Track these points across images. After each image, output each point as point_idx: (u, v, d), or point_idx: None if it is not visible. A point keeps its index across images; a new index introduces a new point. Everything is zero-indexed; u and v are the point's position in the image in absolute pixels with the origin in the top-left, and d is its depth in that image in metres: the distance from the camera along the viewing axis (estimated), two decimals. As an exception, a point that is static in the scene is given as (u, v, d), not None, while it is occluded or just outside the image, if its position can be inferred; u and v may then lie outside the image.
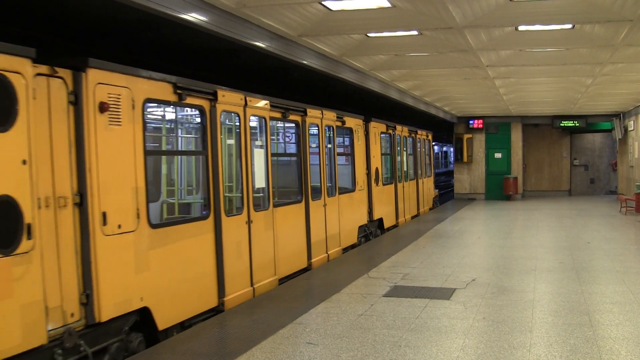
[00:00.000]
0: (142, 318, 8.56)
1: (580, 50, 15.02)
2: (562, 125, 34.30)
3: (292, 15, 11.25)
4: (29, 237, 6.74)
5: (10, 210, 6.58)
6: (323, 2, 10.77)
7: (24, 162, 6.73)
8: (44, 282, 6.95)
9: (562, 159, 37.12)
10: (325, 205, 15.26)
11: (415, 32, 13.08)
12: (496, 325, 9.13)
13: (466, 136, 34.87)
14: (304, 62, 13.53)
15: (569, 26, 12.88)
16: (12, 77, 6.63)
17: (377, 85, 19.06)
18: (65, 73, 7.45)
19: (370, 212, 19.01)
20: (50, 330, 7.02)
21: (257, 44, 11.45)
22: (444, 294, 11.16)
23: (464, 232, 20.56)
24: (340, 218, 16.30)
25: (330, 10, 11.32)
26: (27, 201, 6.74)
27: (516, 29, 13.09)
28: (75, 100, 7.52)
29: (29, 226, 6.74)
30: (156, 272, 8.72)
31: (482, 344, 8.23)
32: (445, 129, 34.84)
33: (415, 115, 29.98)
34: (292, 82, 17.37)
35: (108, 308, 7.80)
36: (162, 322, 8.81)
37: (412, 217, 25.09)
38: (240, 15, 10.56)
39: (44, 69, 7.14)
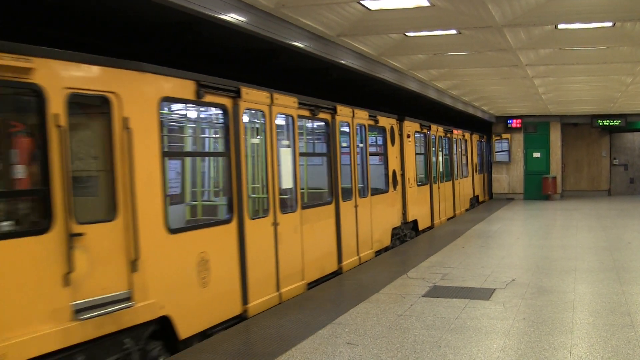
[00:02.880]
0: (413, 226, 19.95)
1: (621, 48, 14.87)
2: (602, 124, 33.94)
3: (331, 15, 11.27)
4: (396, 184, 17.77)
5: (395, 176, 17.68)
6: (362, 2, 10.77)
7: (396, 157, 17.92)
8: (395, 209, 17.85)
9: (601, 158, 36.74)
10: (459, 183, 27.52)
11: (454, 32, 13.04)
12: (536, 326, 9.08)
13: (504, 135, 34.72)
14: (343, 62, 13.54)
15: (610, 24, 12.74)
16: (394, 126, 17.93)
17: (416, 85, 19.03)
18: (396, 122, 18.36)
19: (473, 190, 31.24)
20: (400, 220, 18.32)
21: (296, 44, 11.48)
22: (484, 294, 11.12)
23: (502, 232, 20.46)
24: (465, 191, 29.09)
25: (369, 9, 11.31)
26: (398, 172, 17.78)
27: (556, 27, 12.99)
28: (400, 132, 18.58)
29: (396, 181, 17.71)
30: (417, 206, 20.00)
31: (522, 345, 8.20)
32: (480, 127, 34.55)
33: (453, 115, 29.84)
34: (331, 82, 17.47)
35: (409, 217, 19.01)
36: (421, 227, 20.43)
37: (490, 199, 35.52)
38: (279, 16, 10.60)
39: (395, 122, 18.13)
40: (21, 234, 6.57)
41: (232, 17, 9.47)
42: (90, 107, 7.69)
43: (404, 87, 18.19)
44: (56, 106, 6.81)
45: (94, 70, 7.43)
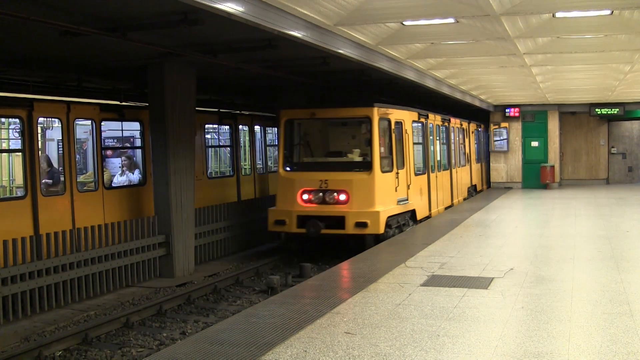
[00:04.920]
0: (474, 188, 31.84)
1: (619, 36, 14.83)
2: (600, 112, 33.92)
3: (328, 3, 11.21)
4: (467, 162, 29.59)
5: (467, 156, 29.93)
6: (359, -9, 10.72)
7: (467, 145, 29.89)
8: (468, 175, 30.03)
9: (599, 147, 36.71)
10: (476, 166, 33.46)
11: (451, 20, 13.00)
12: (535, 315, 9.09)
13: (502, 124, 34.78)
14: (340, 51, 13.49)
15: (608, 12, 12.71)
16: (466, 126, 29.97)
17: (413, 74, 18.99)
18: (467, 123, 30.30)
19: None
20: (469, 183, 30.54)
21: (294, 33, 11.42)
22: (482, 283, 11.13)
23: (500, 221, 20.46)
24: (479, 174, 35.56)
25: (366, -2, 11.28)
26: (467, 154, 30.25)
27: (554, 15, 12.95)
28: (468, 130, 30.42)
29: (467, 160, 29.76)
30: (476, 176, 31.84)
31: (521, 334, 8.20)
32: (477, 116, 34.60)
33: (450, 104, 29.88)
34: (329, 72, 17.57)
35: (472, 182, 30.68)
36: (478, 189, 32.41)
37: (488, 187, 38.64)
38: (276, 5, 10.54)
39: (467, 123, 30.38)
40: (389, 171, 17.89)
41: (229, 6, 9.41)
42: (398, 125, 18.72)
43: (402, 76, 18.15)
44: (392, 126, 18.10)
45: (399, 111, 18.91)
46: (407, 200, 18.87)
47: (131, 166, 18.59)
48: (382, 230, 17.05)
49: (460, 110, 32.29)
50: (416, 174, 20.13)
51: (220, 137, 23.53)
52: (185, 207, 16.48)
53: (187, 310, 13.53)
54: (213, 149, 23.20)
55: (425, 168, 21.67)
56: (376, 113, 17.55)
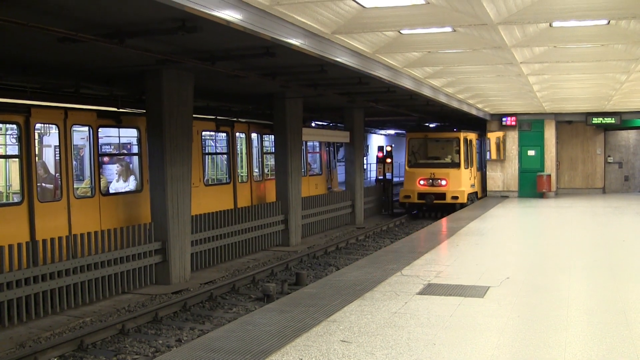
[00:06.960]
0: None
1: (615, 46, 14.86)
2: (596, 122, 33.96)
3: (326, 12, 11.23)
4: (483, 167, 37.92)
5: (483, 162, 37.68)
6: (356, -1, 10.73)
7: (479, 152, 37.36)
8: (472, 180, 33.18)
9: (595, 156, 36.73)
10: (480, 171, 36.85)
11: (449, 29, 13.01)
12: (531, 324, 9.10)
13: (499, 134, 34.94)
14: (338, 59, 13.49)
15: (604, 22, 12.73)
16: (480, 137, 36.38)
17: (410, 83, 19.00)
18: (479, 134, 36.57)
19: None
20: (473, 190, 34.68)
21: (291, 41, 11.43)
22: (478, 292, 11.13)
23: (497, 230, 20.47)
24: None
25: (364, 7, 11.27)
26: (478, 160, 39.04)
27: (550, 25, 12.97)
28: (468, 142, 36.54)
29: (483, 165, 37.44)
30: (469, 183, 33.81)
31: (517, 343, 8.21)
32: (474, 125, 34.84)
33: (447, 113, 30.14)
34: (326, 80, 17.59)
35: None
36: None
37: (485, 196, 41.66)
38: (273, 13, 10.55)
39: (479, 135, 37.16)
40: (466, 168, 31.56)
41: (227, 14, 9.42)
42: (470, 141, 32.49)
43: (399, 85, 18.16)
44: (468, 142, 31.95)
45: (471, 133, 32.77)
46: (474, 185, 32.46)
47: (127, 173, 18.58)
48: (466, 200, 29.93)
49: (457, 120, 32.57)
50: (477, 171, 33.52)
51: (217, 145, 23.48)
52: (182, 214, 16.46)
53: (182, 318, 13.50)
54: (210, 156, 23.14)
55: (480, 167, 34.96)
56: (462, 136, 31.04)
